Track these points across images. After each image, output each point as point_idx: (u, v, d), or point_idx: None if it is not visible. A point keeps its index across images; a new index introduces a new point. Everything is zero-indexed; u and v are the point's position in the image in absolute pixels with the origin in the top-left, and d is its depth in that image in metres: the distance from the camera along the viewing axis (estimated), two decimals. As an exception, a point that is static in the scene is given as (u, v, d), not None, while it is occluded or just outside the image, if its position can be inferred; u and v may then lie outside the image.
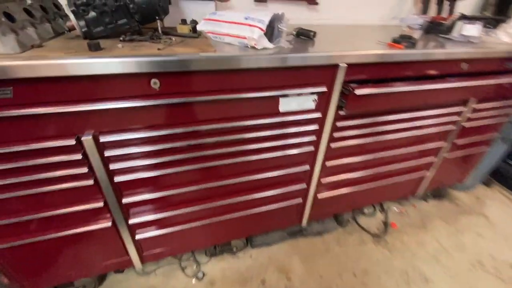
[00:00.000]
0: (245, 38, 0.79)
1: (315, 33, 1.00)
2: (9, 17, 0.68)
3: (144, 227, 1.01)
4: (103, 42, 0.77)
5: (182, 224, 1.05)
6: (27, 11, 0.75)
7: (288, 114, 0.92)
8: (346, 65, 0.87)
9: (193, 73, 0.73)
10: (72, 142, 0.71)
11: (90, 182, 0.80)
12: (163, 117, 0.78)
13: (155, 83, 0.71)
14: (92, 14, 0.77)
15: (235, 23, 0.80)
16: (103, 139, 0.74)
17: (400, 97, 0.99)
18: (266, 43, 0.80)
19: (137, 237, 1.00)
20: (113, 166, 0.80)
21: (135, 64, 0.65)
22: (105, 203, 0.87)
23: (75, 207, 0.84)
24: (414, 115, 1.13)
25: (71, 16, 0.75)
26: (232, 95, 0.80)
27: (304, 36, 1.03)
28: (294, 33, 1.04)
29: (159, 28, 0.86)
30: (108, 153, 0.77)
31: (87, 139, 0.72)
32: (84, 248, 0.97)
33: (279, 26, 0.81)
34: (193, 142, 0.84)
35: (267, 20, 0.76)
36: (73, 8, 0.74)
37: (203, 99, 0.77)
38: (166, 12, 0.86)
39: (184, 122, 0.81)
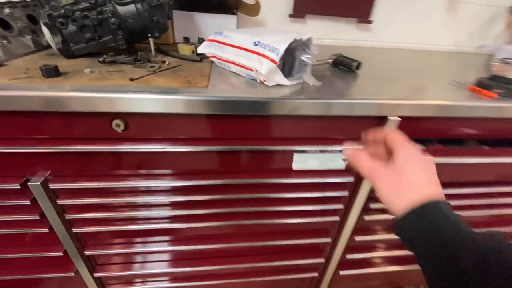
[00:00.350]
0: (252, 70, 0.57)
1: (359, 64, 0.73)
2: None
3: (114, 280, 0.84)
4: (79, 62, 0.63)
5: (163, 282, 0.86)
6: (2, 22, 0.64)
7: (305, 174, 0.67)
8: (399, 119, 0.59)
9: (169, 116, 0.53)
10: (16, 186, 0.57)
11: (45, 229, 0.65)
12: (129, 165, 0.60)
13: (118, 125, 0.53)
14: (72, 28, 0.63)
15: (242, 48, 0.59)
16: (53, 186, 0.58)
17: (480, 168, 0.66)
18: (280, 79, 0.57)
19: (107, 290, 0.84)
20: (70, 216, 0.64)
21: (81, 100, 0.47)
22: (65, 252, 0.72)
23: (32, 253, 0.71)
24: (495, 190, 0.77)
25: (44, 30, 0.61)
26: (224, 147, 0.58)
27: (345, 66, 0.77)
28: (331, 61, 0.79)
29: (152, 48, 0.68)
30: (61, 202, 0.61)
31: (34, 184, 0.57)
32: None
33: (301, 58, 0.57)
34: (174, 198, 0.64)
35: (282, 48, 0.52)
36: (46, 20, 0.60)
37: (181, 149, 0.57)
38: (162, 29, 0.68)
39: (157, 175, 0.61)
